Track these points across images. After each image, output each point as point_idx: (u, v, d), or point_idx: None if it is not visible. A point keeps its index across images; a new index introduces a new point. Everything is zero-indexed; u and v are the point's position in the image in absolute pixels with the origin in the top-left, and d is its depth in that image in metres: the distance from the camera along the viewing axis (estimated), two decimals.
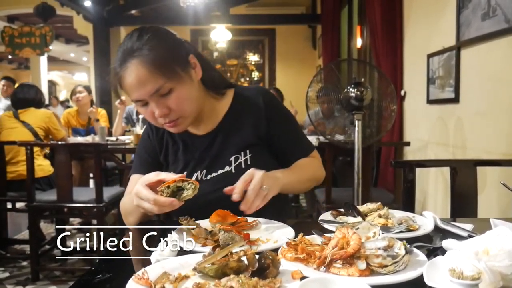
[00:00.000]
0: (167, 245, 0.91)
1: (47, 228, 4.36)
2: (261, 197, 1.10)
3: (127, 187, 1.39)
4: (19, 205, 3.91)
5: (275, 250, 0.89)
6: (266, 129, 1.38)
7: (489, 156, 2.35)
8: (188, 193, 1.03)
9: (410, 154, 3.58)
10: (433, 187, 3.17)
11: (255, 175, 1.11)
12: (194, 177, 1.33)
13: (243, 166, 1.33)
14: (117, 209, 3.45)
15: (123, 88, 1.22)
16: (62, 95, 19.27)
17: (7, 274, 3.20)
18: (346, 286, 0.68)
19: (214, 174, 1.34)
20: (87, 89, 4.75)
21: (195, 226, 1.04)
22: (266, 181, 1.12)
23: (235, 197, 1.08)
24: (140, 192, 1.06)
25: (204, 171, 1.35)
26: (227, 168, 1.34)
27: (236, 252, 0.80)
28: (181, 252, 0.92)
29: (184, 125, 1.27)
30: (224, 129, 1.37)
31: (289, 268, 0.80)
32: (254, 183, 1.10)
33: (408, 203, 1.95)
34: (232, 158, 1.35)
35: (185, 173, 1.22)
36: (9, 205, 3.74)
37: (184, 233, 1.01)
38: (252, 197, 1.09)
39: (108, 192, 3.15)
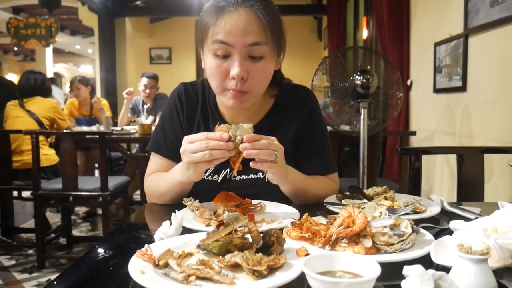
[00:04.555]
0: (170, 224, 0.90)
1: (53, 217, 4.38)
2: (266, 156, 1.00)
3: (148, 167, 1.32)
4: (25, 194, 3.94)
5: (280, 230, 0.88)
6: (302, 136, 1.31)
7: (496, 145, 2.33)
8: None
9: (416, 143, 3.56)
10: (439, 176, 3.15)
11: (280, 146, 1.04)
12: (221, 175, 1.26)
13: None
14: (121, 198, 3.47)
15: (215, 29, 1.10)
16: (68, 87, 19.33)
17: (13, 262, 3.23)
18: (352, 262, 0.67)
19: (244, 177, 1.26)
20: (83, 82, 4.66)
21: (199, 207, 1.04)
22: (281, 159, 1.05)
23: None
24: (190, 145, 1.01)
25: None
26: (260, 175, 1.25)
27: (240, 229, 0.79)
28: (185, 231, 0.91)
29: (247, 103, 1.18)
30: (264, 130, 1.22)
31: (294, 246, 0.79)
32: (273, 142, 1.02)
33: (413, 191, 1.92)
34: None
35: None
36: (15, 194, 3.76)
37: (188, 213, 1.00)
38: (262, 142, 1.00)
39: (113, 181, 3.16)
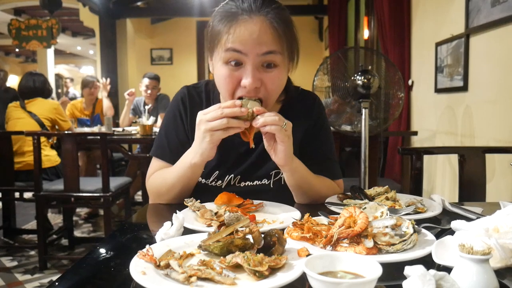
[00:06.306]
0: (172, 225, 0.90)
1: (55, 218, 4.39)
2: (275, 121, 1.03)
3: (149, 170, 1.30)
4: (27, 195, 3.95)
5: (281, 230, 0.87)
6: (308, 141, 1.30)
7: (498, 145, 2.33)
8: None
9: (417, 143, 3.55)
10: (441, 176, 3.15)
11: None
12: (226, 180, 1.26)
13: (282, 182, 1.24)
14: (123, 199, 3.47)
15: (228, 38, 1.08)
16: (71, 87, 19.32)
17: (15, 263, 3.23)
18: (353, 263, 0.67)
19: (249, 183, 1.25)
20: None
21: (200, 207, 1.04)
22: (290, 132, 1.07)
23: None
24: (205, 115, 1.04)
25: (239, 176, 1.26)
26: (265, 181, 1.25)
27: (241, 230, 0.79)
28: (186, 231, 0.91)
29: None
30: None
31: (295, 246, 0.79)
32: (282, 117, 1.05)
33: (415, 191, 1.92)
34: (273, 173, 1.25)
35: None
36: (17, 195, 3.77)
37: (189, 214, 1.00)
38: (270, 113, 1.04)
39: (115, 182, 3.16)
